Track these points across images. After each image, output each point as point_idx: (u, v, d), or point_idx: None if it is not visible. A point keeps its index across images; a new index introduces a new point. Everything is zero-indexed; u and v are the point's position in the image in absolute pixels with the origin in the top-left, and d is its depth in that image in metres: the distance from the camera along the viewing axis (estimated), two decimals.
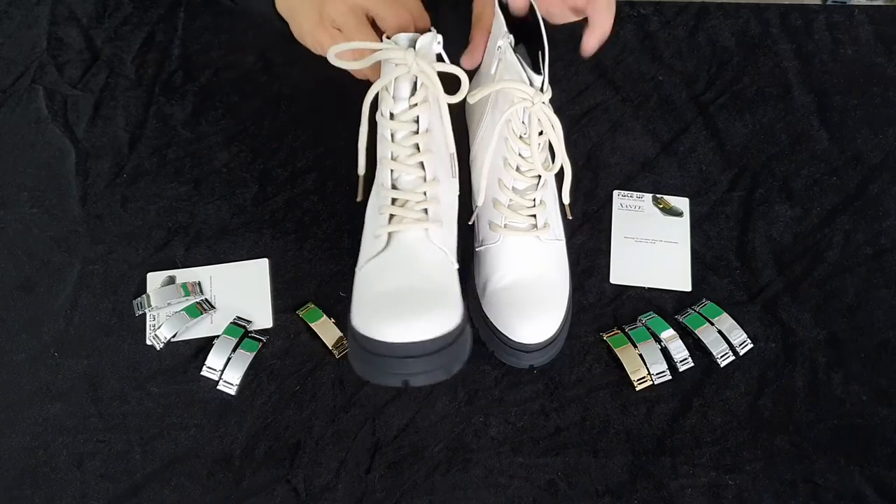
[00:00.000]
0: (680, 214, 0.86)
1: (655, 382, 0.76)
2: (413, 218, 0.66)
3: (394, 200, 0.67)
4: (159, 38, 0.98)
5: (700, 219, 0.86)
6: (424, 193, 0.67)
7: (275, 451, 0.73)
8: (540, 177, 0.72)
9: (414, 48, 0.64)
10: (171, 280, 0.81)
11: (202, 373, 0.76)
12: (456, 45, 0.89)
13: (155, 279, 0.81)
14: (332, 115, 0.90)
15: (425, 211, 0.67)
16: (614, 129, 0.91)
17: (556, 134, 0.69)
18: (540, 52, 0.68)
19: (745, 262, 0.83)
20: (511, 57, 0.68)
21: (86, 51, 0.97)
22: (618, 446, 0.74)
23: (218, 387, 0.76)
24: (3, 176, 0.88)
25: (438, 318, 0.62)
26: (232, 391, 0.75)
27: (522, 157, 0.71)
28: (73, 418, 0.74)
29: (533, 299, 0.72)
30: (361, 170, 0.69)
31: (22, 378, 0.76)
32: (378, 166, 0.68)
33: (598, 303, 0.81)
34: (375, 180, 0.69)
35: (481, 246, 0.74)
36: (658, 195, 0.87)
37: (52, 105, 0.93)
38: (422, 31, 0.67)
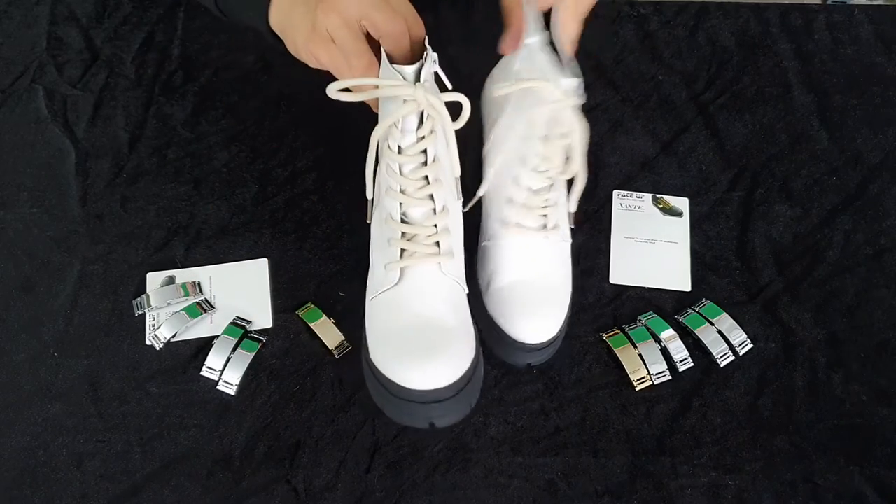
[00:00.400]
0: (680, 214, 0.86)
1: (655, 382, 0.76)
2: (425, 253, 0.66)
3: (404, 234, 0.66)
4: (159, 37, 0.98)
5: (700, 219, 0.86)
6: (435, 226, 0.67)
7: (274, 451, 0.73)
8: (555, 177, 0.72)
9: (419, 79, 0.62)
10: (171, 280, 0.81)
11: (202, 373, 0.76)
12: (456, 46, 0.89)
13: (155, 279, 0.81)
14: (332, 115, 0.90)
15: (437, 244, 0.67)
16: (614, 129, 0.91)
17: (580, 140, 0.68)
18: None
19: (744, 262, 0.83)
20: (546, 55, 0.66)
21: (85, 51, 0.97)
22: (617, 446, 0.73)
23: (217, 387, 0.76)
24: (3, 176, 0.88)
25: (457, 358, 0.63)
26: (231, 391, 0.75)
27: (542, 158, 0.70)
28: (72, 418, 0.74)
29: (537, 298, 0.72)
30: (370, 194, 0.69)
31: (22, 378, 0.76)
32: (385, 196, 0.67)
33: (598, 303, 0.81)
34: (380, 209, 0.68)
35: (489, 241, 0.74)
36: (658, 195, 0.87)
37: (52, 105, 0.93)
38: (417, 39, 0.66)
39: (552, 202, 0.73)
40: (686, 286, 0.82)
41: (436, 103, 0.62)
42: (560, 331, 0.72)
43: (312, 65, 0.69)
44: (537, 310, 0.71)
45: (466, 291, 0.69)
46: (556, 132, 0.68)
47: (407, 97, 0.62)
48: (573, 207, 0.74)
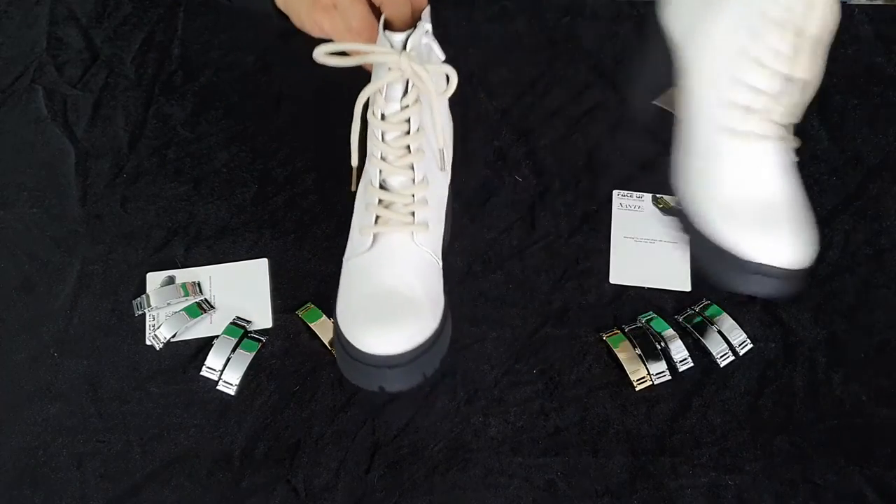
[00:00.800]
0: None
1: (655, 382, 0.76)
2: (399, 221, 0.67)
3: (380, 200, 0.67)
4: (159, 37, 0.98)
5: None
6: (412, 196, 0.67)
7: (274, 451, 0.73)
8: (791, 78, 0.66)
9: (405, 48, 0.63)
10: (171, 280, 0.81)
11: (202, 373, 0.76)
12: (456, 46, 0.89)
13: (154, 279, 0.81)
14: (331, 115, 0.90)
15: (412, 214, 0.67)
16: (614, 129, 0.91)
17: (818, 27, 0.64)
18: None
19: None
20: None
21: (85, 50, 0.97)
22: (617, 446, 0.73)
23: (217, 387, 0.76)
24: (3, 176, 0.88)
25: (414, 328, 0.64)
26: (231, 391, 0.75)
27: (777, 53, 0.65)
28: (72, 418, 0.74)
29: (781, 216, 0.67)
30: (354, 162, 0.69)
31: (21, 378, 0.76)
32: (367, 162, 0.68)
33: (598, 303, 0.81)
34: (364, 174, 0.69)
35: (706, 157, 0.69)
36: (658, 195, 0.87)
37: (52, 105, 0.93)
38: (418, 7, 0.66)
39: (784, 108, 0.67)
40: (686, 286, 0.82)
41: (420, 73, 0.62)
42: None
43: (316, 34, 0.69)
44: (783, 229, 0.67)
45: (440, 265, 0.69)
46: (789, 23, 0.63)
47: (392, 65, 0.62)
48: (799, 113, 0.67)
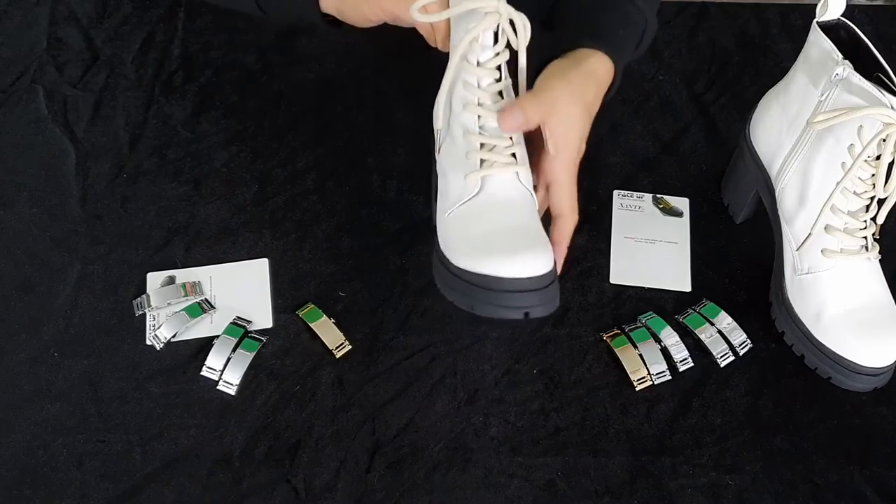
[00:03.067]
0: (680, 214, 0.86)
1: (655, 382, 0.76)
2: (504, 162, 0.68)
3: (482, 144, 0.69)
4: (159, 37, 0.98)
5: (700, 219, 0.86)
6: (511, 138, 0.69)
7: (274, 450, 0.73)
8: (873, 198, 0.72)
9: None
10: (171, 280, 0.81)
11: (202, 373, 0.76)
12: None
13: (155, 279, 0.81)
14: (332, 114, 0.90)
15: (513, 155, 0.69)
16: (614, 129, 0.91)
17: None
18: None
19: (745, 262, 0.83)
20: (859, 81, 0.68)
21: (86, 51, 0.97)
22: (617, 446, 0.73)
23: (218, 387, 0.76)
24: (3, 176, 0.88)
25: (544, 255, 0.66)
26: (232, 391, 0.75)
27: (862, 180, 0.71)
28: (72, 418, 0.74)
29: (877, 320, 0.73)
30: (439, 124, 0.71)
31: (22, 378, 0.76)
32: (463, 112, 0.69)
33: (598, 303, 0.81)
34: (453, 127, 0.71)
35: (807, 274, 0.75)
36: (658, 195, 0.87)
37: (52, 105, 0.93)
38: None
39: (869, 221, 0.73)
40: (686, 286, 0.82)
41: (514, 14, 0.66)
42: None
43: (382, 18, 0.71)
44: (880, 332, 0.73)
45: (537, 207, 0.70)
46: (884, 153, 0.69)
47: (489, 9, 0.65)
48: (882, 219, 0.73)
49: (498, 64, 0.68)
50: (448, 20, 0.68)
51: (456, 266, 0.67)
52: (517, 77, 0.70)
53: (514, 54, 0.68)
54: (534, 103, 0.68)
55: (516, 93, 0.70)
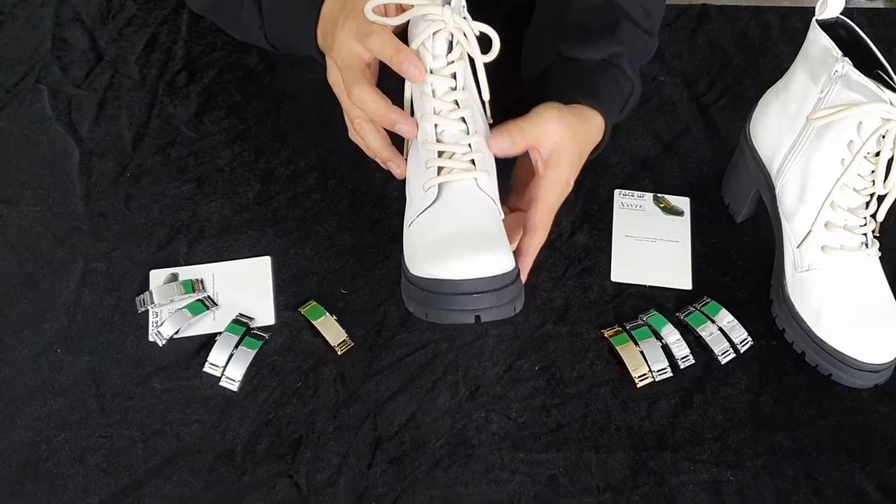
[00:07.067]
0: (681, 213, 0.87)
1: (657, 379, 0.76)
2: (462, 168, 0.68)
3: (441, 153, 0.69)
4: (163, 38, 0.99)
5: (700, 218, 0.86)
6: (469, 145, 0.69)
7: (276, 446, 0.73)
8: (873, 194, 0.72)
9: (449, 4, 0.66)
10: (174, 277, 0.81)
11: (204, 369, 0.76)
12: None
13: (158, 276, 0.82)
14: (333, 114, 0.90)
15: (472, 161, 0.68)
16: (615, 129, 0.91)
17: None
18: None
19: (745, 260, 0.83)
20: (858, 77, 0.68)
21: (90, 51, 0.98)
22: (619, 442, 0.74)
23: (220, 383, 0.76)
24: (8, 174, 0.88)
25: (499, 256, 0.64)
26: (234, 387, 0.76)
27: (861, 176, 0.72)
28: (75, 414, 0.75)
29: (877, 317, 0.74)
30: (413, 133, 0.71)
31: (25, 374, 0.77)
32: (421, 122, 0.69)
33: (599, 300, 0.81)
34: (414, 141, 0.71)
35: (807, 271, 0.75)
36: (659, 194, 0.88)
37: (56, 104, 0.93)
38: None
39: (870, 218, 0.74)
40: (687, 284, 0.82)
41: (462, 25, 0.66)
42: None
43: (362, 43, 0.69)
44: (883, 329, 0.73)
45: (502, 217, 0.69)
46: (884, 149, 0.69)
47: (435, 16, 0.65)
48: (882, 216, 0.73)
49: (453, 72, 0.68)
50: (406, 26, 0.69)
51: (413, 274, 0.67)
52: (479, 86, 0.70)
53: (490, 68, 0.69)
54: (522, 127, 0.69)
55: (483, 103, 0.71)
